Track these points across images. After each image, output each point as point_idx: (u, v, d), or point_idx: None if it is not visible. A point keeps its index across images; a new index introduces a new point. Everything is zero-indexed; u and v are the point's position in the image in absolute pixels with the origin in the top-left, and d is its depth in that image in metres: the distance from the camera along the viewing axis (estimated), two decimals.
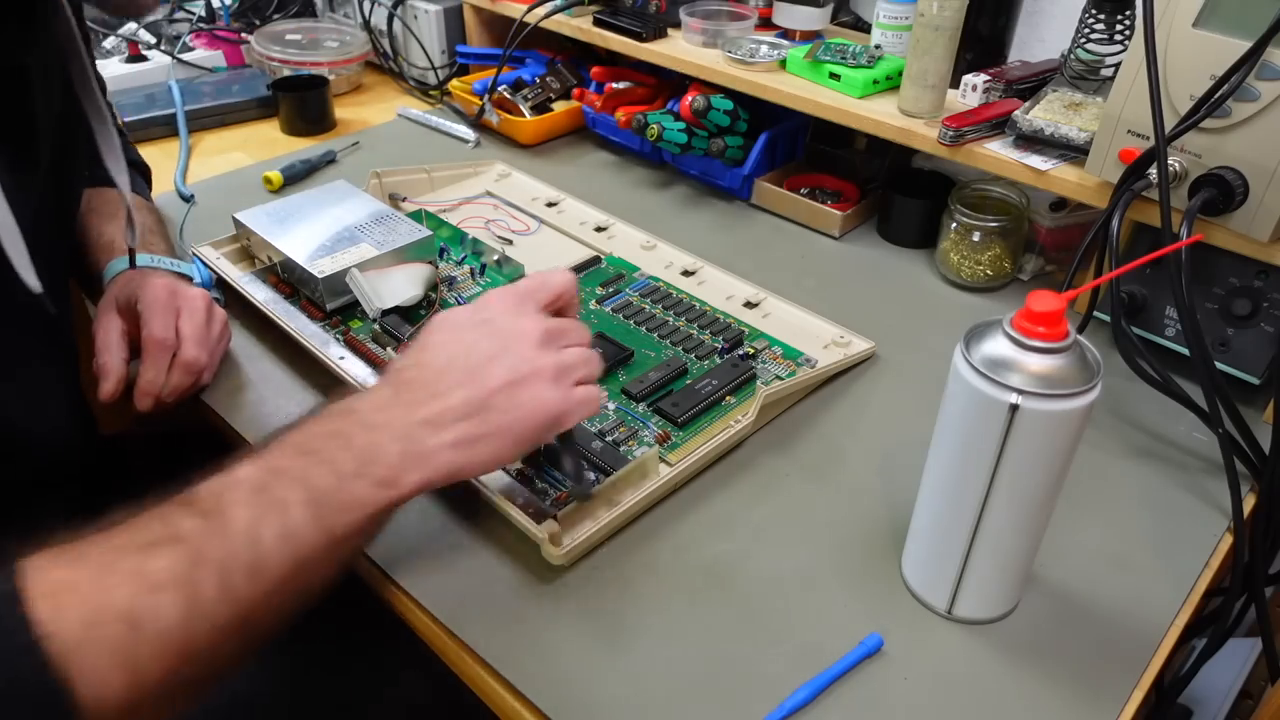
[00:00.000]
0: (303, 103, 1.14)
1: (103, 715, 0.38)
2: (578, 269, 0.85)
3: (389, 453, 0.47)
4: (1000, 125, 0.82)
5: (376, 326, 0.75)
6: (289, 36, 1.28)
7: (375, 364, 0.70)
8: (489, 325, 0.53)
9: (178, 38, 1.28)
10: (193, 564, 0.41)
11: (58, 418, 0.64)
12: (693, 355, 0.73)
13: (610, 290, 0.82)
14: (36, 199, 0.62)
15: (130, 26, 1.28)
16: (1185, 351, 0.66)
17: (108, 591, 0.39)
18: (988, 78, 0.86)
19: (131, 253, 0.71)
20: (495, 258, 0.84)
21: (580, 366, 0.54)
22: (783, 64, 0.95)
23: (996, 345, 0.46)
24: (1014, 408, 0.45)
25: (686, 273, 0.85)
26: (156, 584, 0.40)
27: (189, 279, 0.75)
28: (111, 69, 1.20)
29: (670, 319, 0.78)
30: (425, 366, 0.51)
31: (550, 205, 0.96)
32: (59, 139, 0.64)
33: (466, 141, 1.12)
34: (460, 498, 0.61)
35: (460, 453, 0.49)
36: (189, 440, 0.74)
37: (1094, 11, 0.81)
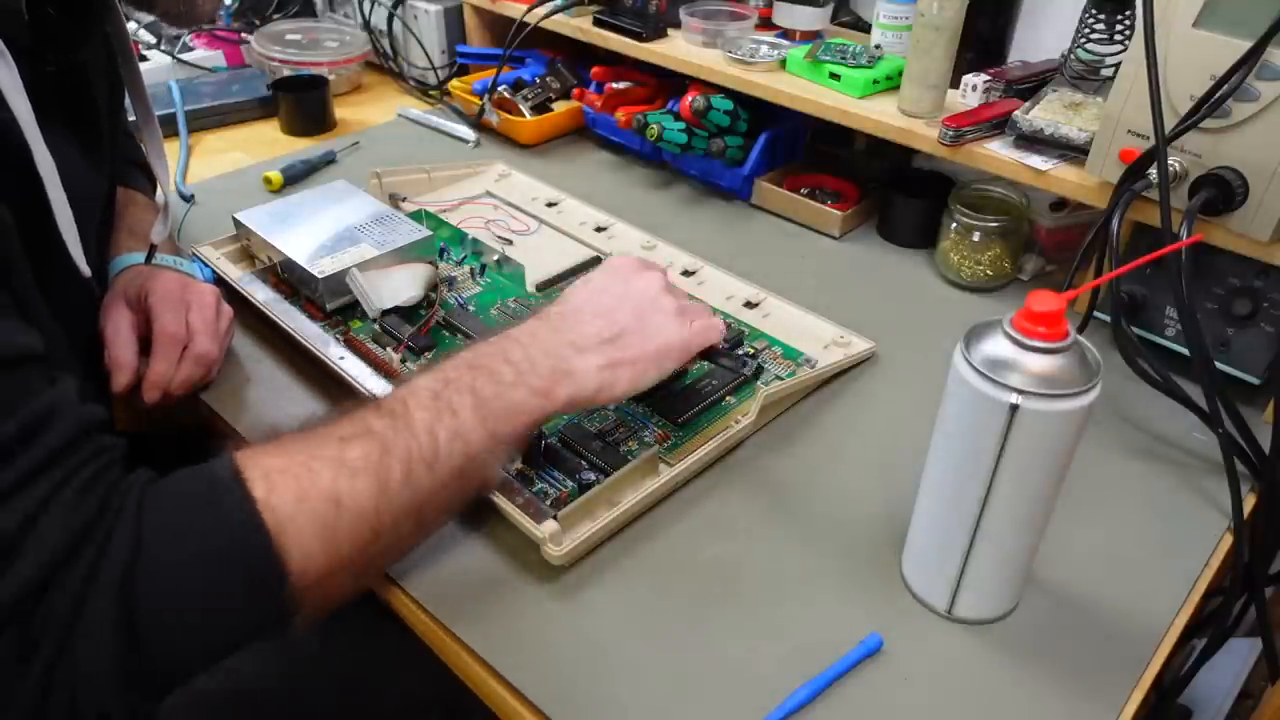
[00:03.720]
0: (303, 103, 1.14)
1: (306, 580, 0.44)
2: (578, 269, 0.85)
3: (541, 366, 0.54)
4: (1000, 125, 0.82)
5: (376, 326, 0.75)
6: (289, 36, 1.28)
7: (375, 364, 0.70)
8: (617, 273, 0.62)
9: (178, 37, 1.28)
10: (383, 454, 0.47)
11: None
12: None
13: None
14: (107, 184, 0.67)
15: (130, 26, 1.28)
16: (1185, 351, 0.66)
17: (314, 474, 0.45)
18: (988, 78, 0.86)
19: (153, 249, 0.72)
20: (495, 258, 0.84)
21: (700, 314, 0.62)
22: (783, 64, 0.95)
23: (996, 345, 0.46)
24: (1014, 408, 0.45)
25: (686, 273, 0.85)
26: (354, 469, 0.46)
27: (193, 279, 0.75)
28: None
29: None
30: (566, 304, 0.60)
31: (550, 205, 0.96)
32: (111, 133, 0.67)
33: (466, 141, 1.12)
34: None
35: (605, 374, 0.56)
36: (193, 442, 0.74)
37: (1094, 11, 0.81)
